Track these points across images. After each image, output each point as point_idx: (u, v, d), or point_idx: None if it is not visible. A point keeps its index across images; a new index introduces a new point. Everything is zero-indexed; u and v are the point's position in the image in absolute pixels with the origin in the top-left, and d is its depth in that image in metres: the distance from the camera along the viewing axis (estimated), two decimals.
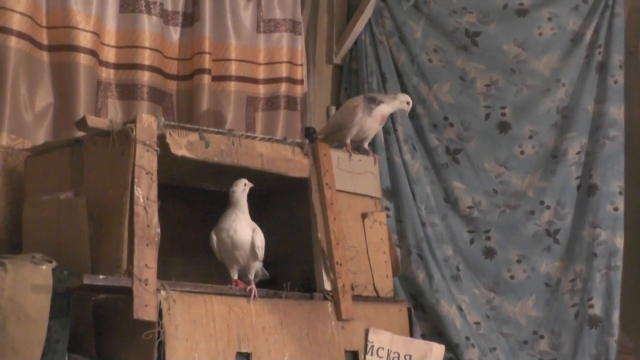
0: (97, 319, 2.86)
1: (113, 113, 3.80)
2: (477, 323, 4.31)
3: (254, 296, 3.01)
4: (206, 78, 3.96)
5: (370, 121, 3.62)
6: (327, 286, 3.25)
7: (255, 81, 4.19)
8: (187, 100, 4.00)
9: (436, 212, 4.42)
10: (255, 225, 3.09)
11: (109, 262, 2.80)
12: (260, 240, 3.08)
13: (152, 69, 3.88)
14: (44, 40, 3.62)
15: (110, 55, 3.82)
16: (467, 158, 4.46)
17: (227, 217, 3.07)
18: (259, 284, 3.10)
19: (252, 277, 3.09)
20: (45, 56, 3.62)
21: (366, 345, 3.28)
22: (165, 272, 2.92)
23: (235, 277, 3.09)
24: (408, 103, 3.71)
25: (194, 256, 3.54)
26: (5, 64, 3.44)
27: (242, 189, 3.07)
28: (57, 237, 2.95)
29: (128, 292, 2.69)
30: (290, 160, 3.28)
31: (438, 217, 4.42)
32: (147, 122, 2.87)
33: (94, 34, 3.68)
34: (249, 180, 3.09)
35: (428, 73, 4.51)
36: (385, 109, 3.65)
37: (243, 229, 3.06)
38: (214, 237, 3.09)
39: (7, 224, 3.34)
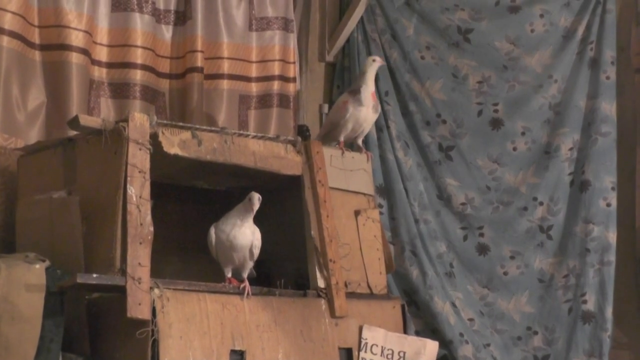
0: (90, 317, 2.86)
1: (106, 112, 3.80)
2: (471, 319, 4.32)
3: (248, 294, 3.01)
4: (199, 76, 3.96)
5: (364, 110, 3.62)
6: (321, 283, 3.25)
7: (247, 79, 4.19)
8: (180, 98, 3.99)
9: (429, 208, 4.43)
10: (255, 227, 3.10)
11: (103, 261, 2.80)
12: (258, 240, 3.09)
13: (144, 67, 3.88)
14: (36, 40, 3.61)
15: (102, 54, 3.82)
16: (460, 155, 4.47)
17: (231, 218, 3.08)
18: (252, 282, 3.09)
19: (245, 275, 3.09)
20: (37, 55, 3.61)
21: (360, 342, 3.29)
22: (159, 271, 2.91)
23: (229, 275, 3.10)
24: (374, 60, 3.70)
25: (187, 255, 3.54)
26: None
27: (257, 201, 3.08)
28: (50, 237, 2.95)
29: (121, 291, 2.69)
30: (283, 158, 3.28)
31: (431, 213, 4.43)
32: (140, 121, 2.87)
33: (86, 32, 3.67)
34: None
35: (420, 70, 4.52)
36: (367, 89, 3.64)
37: (244, 233, 3.06)
38: (212, 235, 3.08)
39: (0, 223, 3.34)
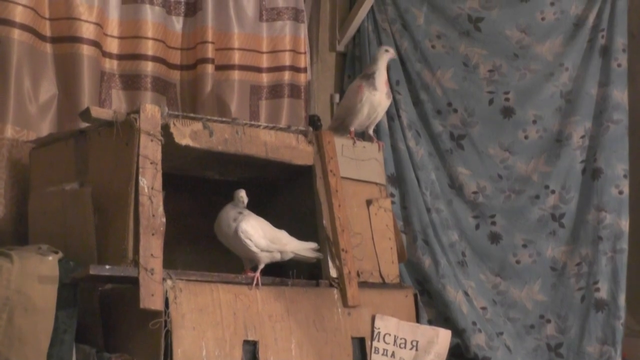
0: (103, 309, 2.87)
1: (117, 104, 3.81)
2: (483, 308, 4.32)
3: (256, 284, 3.00)
4: (209, 67, 3.96)
5: (379, 95, 3.59)
6: (333, 273, 3.25)
7: (258, 70, 4.19)
8: (191, 89, 4.00)
9: (441, 198, 4.42)
10: (241, 214, 3.07)
11: (115, 252, 2.81)
12: (244, 231, 3.03)
13: (155, 59, 3.89)
14: (47, 32, 3.62)
15: (113, 46, 3.82)
16: (472, 143, 4.46)
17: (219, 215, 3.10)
18: (265, 272, 3.09)
19: (261, 266, 3.07)
20: (48, 48, 3.62)
21: (373, 331, 3.29)
22: (171, 262, 2.92)
23: (247, 267, 3.10)
24: (387, 50, 3.68)
25: (199, 245, 3.55)
26: (9, 56, 3.44)
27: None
28: (62, 228, 2.96)
29: (134, 282, 2.70)
30: (294, 149, 3.28)
31: (443, 203, 4.42)
32: (151, 112, 2.88)
33: (97, 25, 3.68)
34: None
35: (431, 59, 4.51)
36: (380, 75, 3.61)
37: (226, 223, 3.06)
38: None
39: (13, 215, 3.35)
